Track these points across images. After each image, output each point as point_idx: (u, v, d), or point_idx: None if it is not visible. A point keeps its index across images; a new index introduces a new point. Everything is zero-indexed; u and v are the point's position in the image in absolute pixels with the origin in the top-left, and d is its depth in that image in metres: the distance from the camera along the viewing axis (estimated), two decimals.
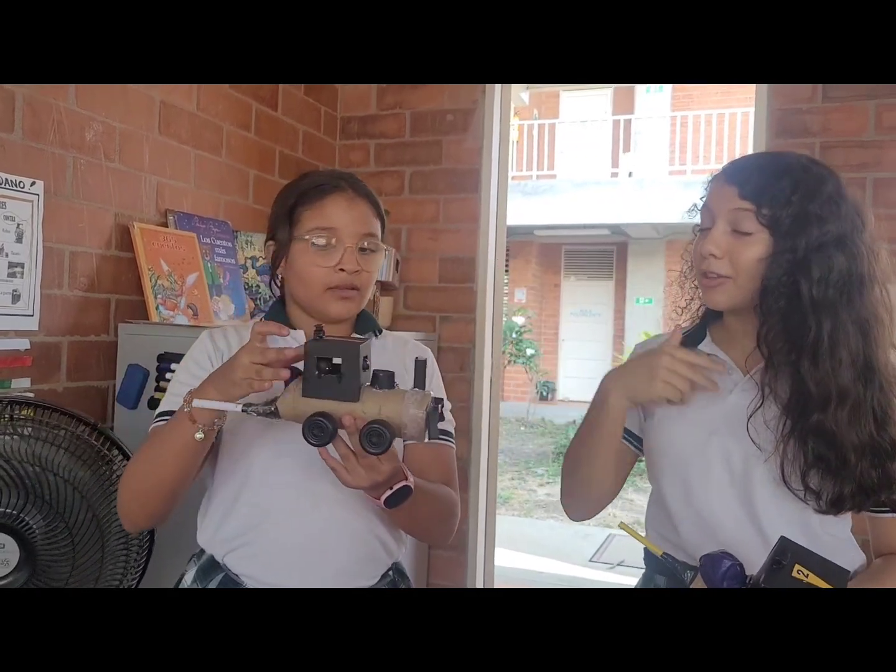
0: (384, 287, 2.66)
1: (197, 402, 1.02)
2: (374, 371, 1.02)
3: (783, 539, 0.95)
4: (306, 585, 1.13)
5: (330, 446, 1.00)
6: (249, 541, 1.15)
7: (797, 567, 0.91)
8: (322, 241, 1.16)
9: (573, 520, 1.28)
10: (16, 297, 1.70)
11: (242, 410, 1.01)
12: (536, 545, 4.96)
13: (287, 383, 1.02)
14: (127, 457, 1.61)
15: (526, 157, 10.56)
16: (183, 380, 1.16)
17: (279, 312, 1.23)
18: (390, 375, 1.02)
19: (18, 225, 1.70)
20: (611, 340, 11.50)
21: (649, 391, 1.08)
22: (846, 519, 1.13)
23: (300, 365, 1.03)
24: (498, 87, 2.73)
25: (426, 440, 1.02)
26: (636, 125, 10.31)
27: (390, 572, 1.24)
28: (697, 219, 1.17)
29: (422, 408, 0.98)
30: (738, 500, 1.10)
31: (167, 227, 2.09)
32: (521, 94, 10.19)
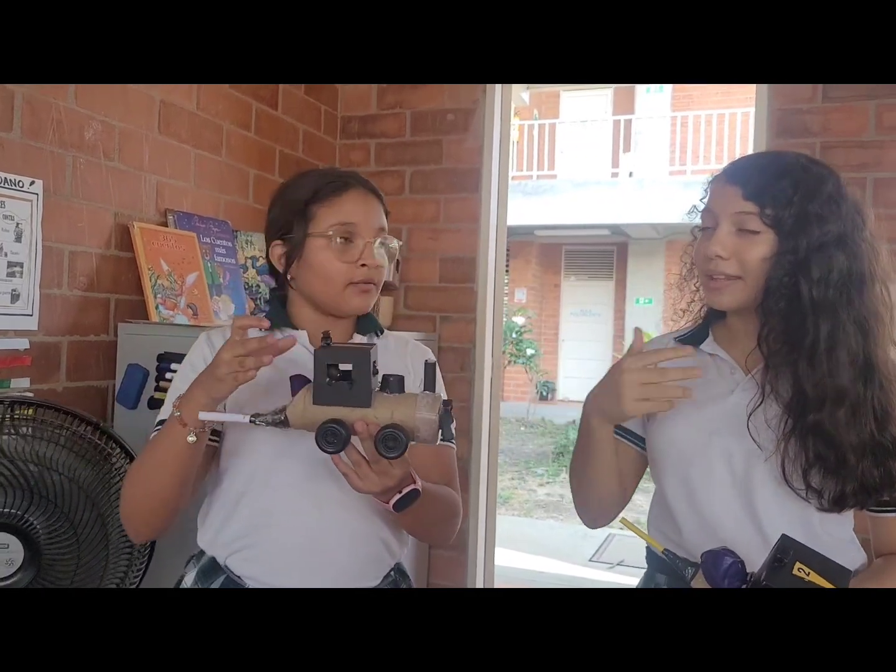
0: (384, 287, 2.64)
1: (203, 415, 1.03)
2: (383, 375, 1.02)
3: (784, 537, 0.95)
4: (309, 587, 1.13)
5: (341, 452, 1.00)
6: (252, 543, 1.15)
7: (798, 565, 0.91)
8: (345, 237, 1.15)
9: (590, 528, 1.28)
10: (15, 297, 1.70)
11: (251, 421, 1.01)
12: (536, 545, 4.96)
13: (294, 391, 1.01)
14: (129, 455, 1.62)
15: (526, 157, 10.56)
16: (180, 387, 1.15)
17: (279, 312, 1.22)
18: (400, 379, 1.01)
19: (18, 224, 1.70)
20: (611, 340, 11.51)
21: (622, 413, 1.03)
22: (848, 519, 1.13)
23: (308, 373, 1.02)
24: (498, 86, 2.72)
25: (438, 443, 1.02)
26: (636, 125, 10.31)
27: (392, 572, 1.24)
28: (697, 220, 1.16)
29: (434, 411, 0.98)
30: (739, 499, 1.10)
31: (167, 226, 2.08)
32: (521, 94, 10.19)
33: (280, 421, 1.00)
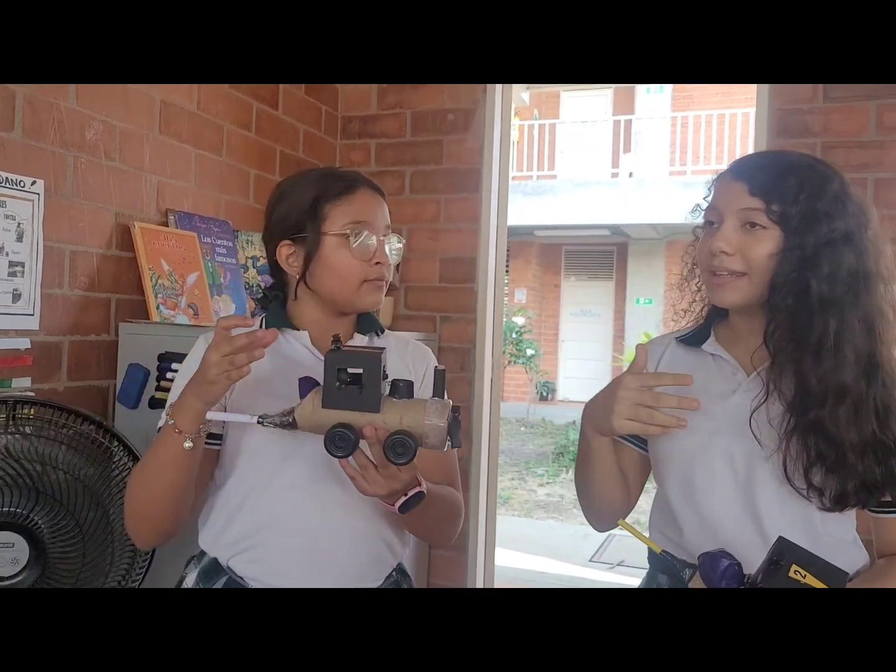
0: None
1: (211, 415, 1.03)
2: (392, 380, 1.01)
3: (781, 539, 0.95)
4: (311, 587, 1.13)
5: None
6: (255, 544, 1.14)
7: (794, 567, 0.91)
8: (362, 236, 1.15)
9: (598, 531, 1.28)
10: (16, 297, 1.70)
11: (258, 422, 1.01)
12: (536, 545, 4.96)
13: (302, 393, 1.01)
14: (132, 453, 1.62)
15: (526, 157, 10.56)
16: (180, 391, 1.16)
17: (279, 313, 1.22)
18: (409, 385, 1.01)
19: (19, 224, 1.70)
20: (611, 341, 11.50)
21: (611, 428, 1.03)
22: (850, 519, 1.13)
23: (310, 373, 1.02)
24: (499, 87, 2.73)
25: (446, 449, 1.02)
26: (636, 125, 10.31)
27: (394, 573, 1.24)
28: (700, 219, 1.16)
29: (443, 417, 0.98)
30: (740, 500, 1.10)
31: (168, 226, 2.09)
32: (521, 94, 10.19)
33: (288, 423, 1.00)
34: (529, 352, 10.13)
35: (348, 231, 1.15)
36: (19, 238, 1.70)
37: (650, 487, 1.24)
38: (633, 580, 1.31)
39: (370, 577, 1.19)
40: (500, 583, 2.98)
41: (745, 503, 1.10)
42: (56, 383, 1.81)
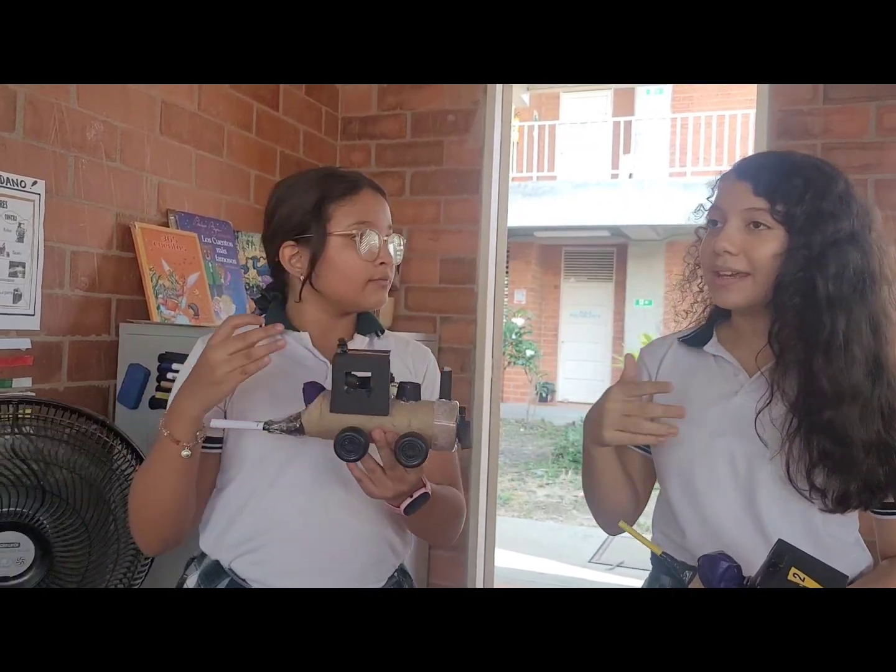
0: None
1: (216, 423, 1.02)
2: (400, 383, 1.01)
3: (780, 542, 0.95)
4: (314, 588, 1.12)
5: None
6: (258, 546, 1.14)
7: (793, 570, 0.91)
8: (367, 236, 1.15)
9: (608, 534, 1.29)
10: (17, 297, 1.70)
11: (264, 429, 1.00)
12: (536, 546, 4.96)
13: (307, 398, 1.01)
14: (135, 451, 1.63)
15: (526, 158, 10.56)
16: None
17: (279, 314, 1.21)
18: (417, 387, 1.01)
19: (20, 224, 1.70)
20: (610, 342, 11.50)
21: (602, 440, 1.05)
22: (852, 521, 1.13)
23: (318, 377, 1.01)
24: (499, 87, 2.73)
25: (454, 450, 1.02)
26: (636, 127, 10.31)
27: (396, 574, 1.24)
28: (702, 220, 1.16)
29: (452, 419, 0.98)
30: (741, 502, 1.10)
31: (168, 226, 2.09)
32: (521, 95, 10.19)
33: (295, 429, 0.99)
34: (529, 353, 10.13)
35: (354, 231, 1.15)
36: (20, 238, 1.70)
37: (657, 488, 1.24)
38: (633, 581, 1.31)
39: (373, 578, 1.19)
40: (499, 584, 2.98)
41: (746, 504, 1.10)
42: (56, 383, 1.81)
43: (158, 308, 1.96)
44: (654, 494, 1.25)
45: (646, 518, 1.27)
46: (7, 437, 1.47)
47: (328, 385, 1.03)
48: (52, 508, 1.49)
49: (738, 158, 1.18)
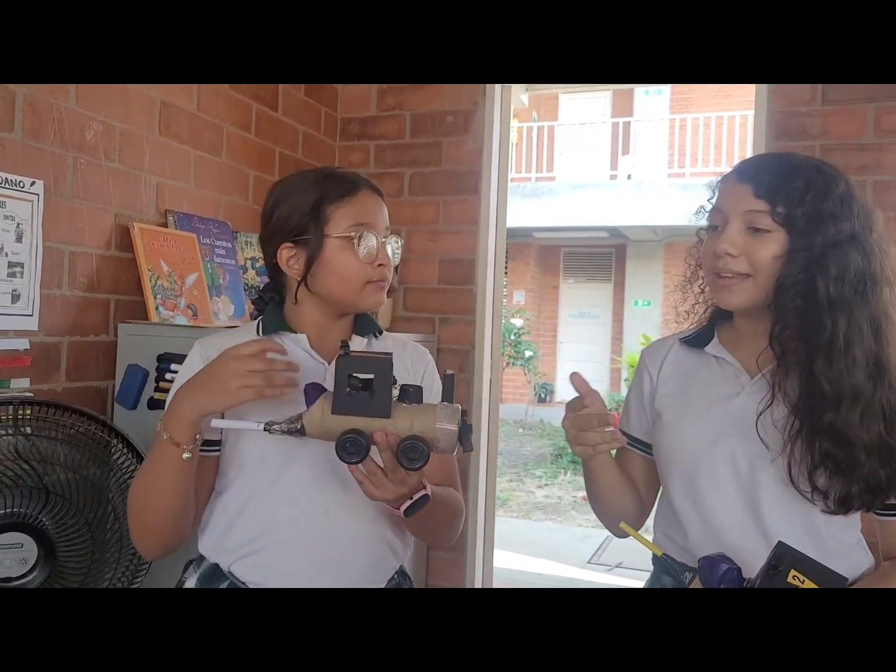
0: None
1: (216, 423, 1.02)
2: (402, 385, 1.01)
3: (780, 544, 0.95)
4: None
5: None
6: (258, 549, 1.14)
7: (793, 573, 0.91)
8: (366, 238, 1.15)
9: (617, 537, 1.28)
10: (15, 297, 1.70)
11: (265, 429, 1.00)
12: (535, 547, 4.96)
13: (309, 401, 1.01)
14: (135, 450, 1.63)
15: (525, 159, 10.56)
16: None
17: (277, 316, 1.21)
18: (419, 390, 1.01)
19: (18, 224, 1.70)
20: (609, 343, 11.50)
21: (576, 454, 1.10)
22: (854, 522, 1.13)
23: (317, 378, 1.01)
24: (498, 88, 2.73)
25: (455, 453, 1.02)
26: (635, 127, 10.31)
27: (396, 575, 1.24)
28: (703, 221, 1.16)
29: (454, 422, 0.98)
30: (743, 503, 1.10)
31: (167, 227, 2.09)
32: (520, 96, 10.15)
33: (296, 430, 0.99)
34: (528, 353, 10.13)
35: (352, 233, 1.14)
36: (19, 238, 1.70)
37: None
38: (632, 582, 1.31)
39: (373, 580, 1.19)
40: (498, 584, 2.98)
41: (748, 506, 1.10)
42: (55, 384, 1.81)
43: (157, 308, 1.96)
44: (658, 498, 1.25)
45: (648, 519, 1.27)
46: (8, 437, 1.47)
47: (328, 386, 1.03)
48: (55, 509, 1.49)
49: (736, 159, 1.19)
